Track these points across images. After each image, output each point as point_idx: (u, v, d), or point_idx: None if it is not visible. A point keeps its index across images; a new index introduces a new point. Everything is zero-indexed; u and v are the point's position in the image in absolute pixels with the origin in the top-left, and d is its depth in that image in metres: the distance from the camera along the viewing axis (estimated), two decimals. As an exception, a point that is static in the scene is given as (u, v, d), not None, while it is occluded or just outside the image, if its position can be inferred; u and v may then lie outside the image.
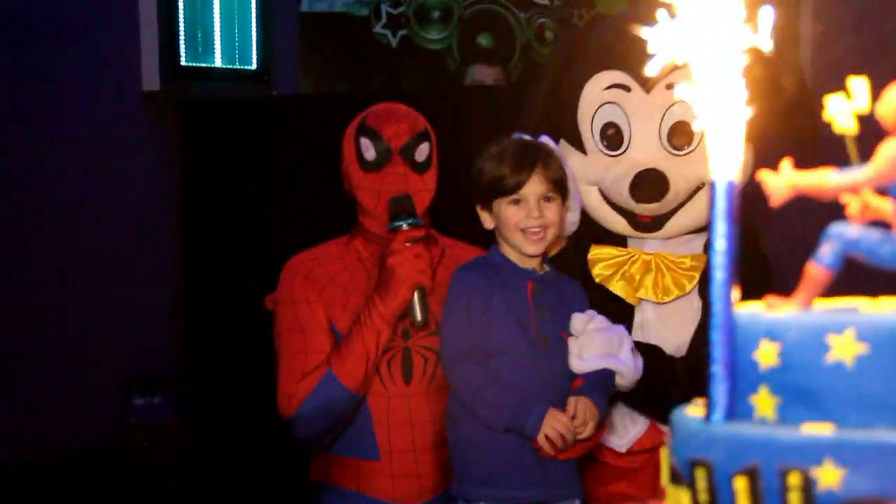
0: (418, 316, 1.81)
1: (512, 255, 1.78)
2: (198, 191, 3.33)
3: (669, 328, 1.96)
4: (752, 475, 0.75)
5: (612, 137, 2.00)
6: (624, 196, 1.96)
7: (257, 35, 3.73)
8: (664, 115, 1.97)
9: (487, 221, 1.79)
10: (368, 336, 1.80)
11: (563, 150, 1.97)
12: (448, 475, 1.83)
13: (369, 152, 1.86)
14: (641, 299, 1.96)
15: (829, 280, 0.82)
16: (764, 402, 0.79)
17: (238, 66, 3.74)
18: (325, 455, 1.89)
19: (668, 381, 1.90)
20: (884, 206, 0.83)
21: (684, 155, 1.98)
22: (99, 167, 3.41)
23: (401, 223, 1.80)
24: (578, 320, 1.75)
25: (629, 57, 1.97)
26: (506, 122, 2.80)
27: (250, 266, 3.22)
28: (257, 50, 3.74)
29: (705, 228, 2.00)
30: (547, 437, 1.64)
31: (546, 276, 1.79)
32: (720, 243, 0.79)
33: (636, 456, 1.96)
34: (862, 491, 0.73)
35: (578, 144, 2.04)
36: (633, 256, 2.00)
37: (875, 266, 0.81)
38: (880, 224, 0.83)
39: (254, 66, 3.76)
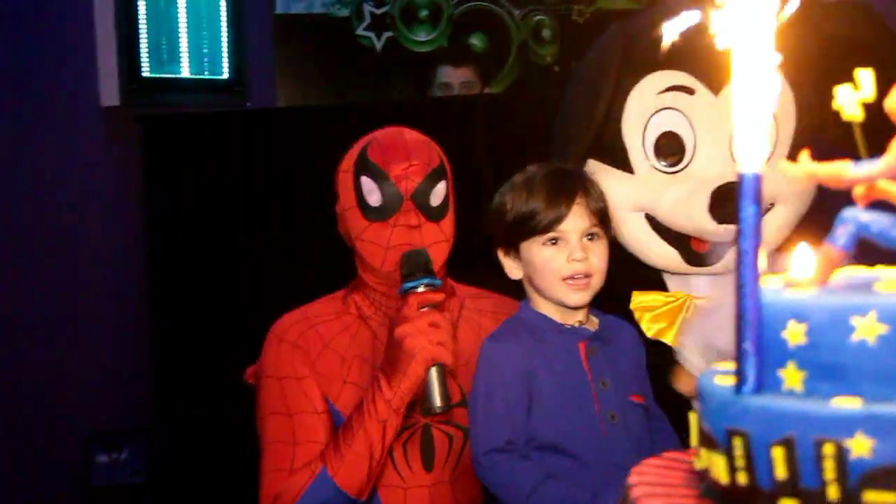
0: (437, 401, 1.61)
1: (549, 311, 1.62)
2: (164, 218, 3.27)
3: None
4: (789, 445, 0.93)
5: (671, 150, 1.87)
6: (695, 218, 1.82)
7: (228, 41, 3.71)
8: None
9: (513, 270, 1.64)
10: (372, 429, 1.62)
11: (598, 172, 1.85)
12: None
13: (373, 196, 1.71)
14: None
15: (843, 260, 1.03)
16: (792, 376, 0.98)
17: (207, 76, 3.71)
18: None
19: None
20: (892, 189, 1.03)
21: None
22: (54, 195, 3.37)
23: (415, 284, 1.64)
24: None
25: (691, 54, 1.79)
26: (512, 135, 2.92)
27: (223, 304, 3.27)
28: (229, 57, 3.72)
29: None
30: None
31: (599, 331, 1.63)
32: (748, 232, 0.98)
33: None
34: (890, 458, 0.90)
35: (622, 162, 1.89)
36: (685, 302, 1.87)
37: (884, 247, 1.01)
38: (884, 205, 1.04)
39: (225, 76, 3.74)
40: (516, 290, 1.79)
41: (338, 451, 1.65)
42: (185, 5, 3.67)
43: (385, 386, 1.62)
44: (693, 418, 1.08)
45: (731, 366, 1.07)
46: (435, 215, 1.73)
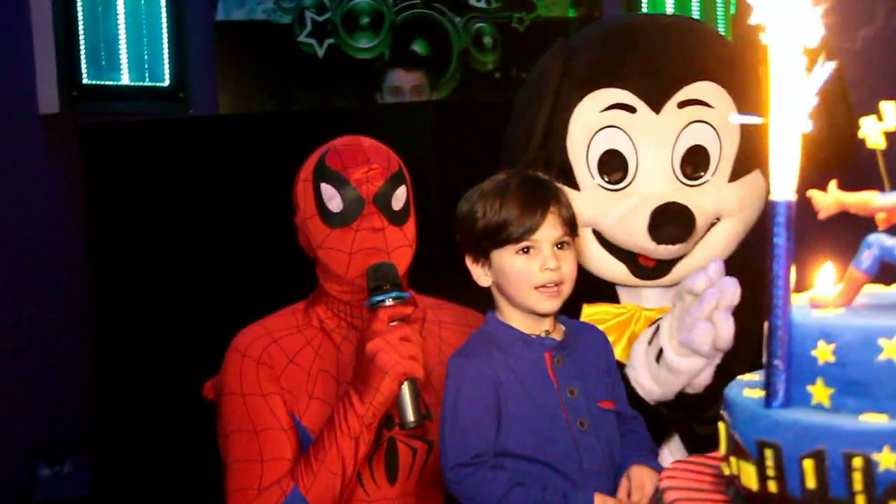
0: (410, 416, 1.60)
1: (517, 319, 1.63)
2: (105, 227, 3.25)
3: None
4: (819, 457, 1.02)
5: (614, 168, 1.90)
6: (636, 236, 1.85)
7: (169, 48, 3.69)
8: (677, 139, 1.89)
9: (482, 278, 1.63)
10: (345, 445, 1.61)
11: None
12: None
13: (334, 202, 1.69)
14: None
15: (866, 282, 1.13)
16: (820, 392, 1.07)
17: (148, 83, 3.68)
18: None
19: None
20: None
21: (699, 185, 1.90)
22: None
23: (383, 297, 1.62)
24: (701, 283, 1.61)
25: (632, 72, 1.90)
26: (461, 141, 2.96)
27: (167, 312, 3.20)
28: (170, 64, 3.70)
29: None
30: None
31: (565, 339, 1.65)
32: (781, 255, 1.06)
33: None
34: None
35: (568, 178, 1.91)
36: (634, 314, 1.91)
37: None
38: None
39: (166, 83, 3.72)
40: (466, 295, 1.80)
41: (309, 468, 1.63)
42: (124, 12, 3.63)
43: (357, 402, 1.61)
44: (722, 427, 1.15)
45: (754, 377, 1.19)
46: (397, 219, 1.72)
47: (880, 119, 1.13)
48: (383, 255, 1.70)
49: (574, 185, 1.92)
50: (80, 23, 3.50)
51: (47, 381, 3.46)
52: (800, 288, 1.17)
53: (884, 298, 1.19)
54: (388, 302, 1.63)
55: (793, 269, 1.08)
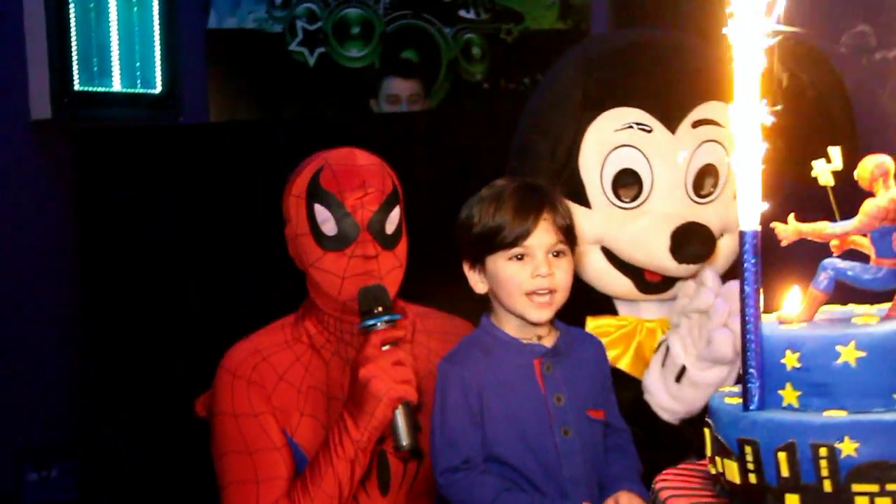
0: (404, 440, 1.63)
1: (510, 326, 1.65)
2: (96, 233, 3.22)
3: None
4: (791, 449, 1.19)
5: (630, 186, 1.91)
6: (655, 255, 1.87)
7: (161, 55, 3.70)
8: (691, 158, 1.91)
9: (478, 284, 1.65)
10: (341, 468, 1.63)
11: None
12: None
13: (328, 225, 1.70)
14: None
15: (824, 300, 1.31)
16: (789, 394, 1.25)
17: (140, 90, 3.69)
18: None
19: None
20: (863, 241, 1.33)
21: (707, 203, 1.94)
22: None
23: (374, 322, 1.64)
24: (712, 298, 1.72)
25: (648, 91, 1.92)
26: (449, 150, 3.00)
27: (156, 318, 3.27)
28: (161, 72, 3.71)
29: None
30: None
31: (556, 345, 1.66)
32: (751, 279, 1.22)
33: None
34: (872, 455, 1.18)
35: (579, 197, 1.92)
36: (636, 326, 1.94)
37: (857, 287, 1.30)
38: (857, 254, 1.32)
39: (158, 90, 3.73)
40: (456, 304, 1.84)
41: (306, 491, 1.65)
42: (116, 19, 3.64)
43: (352, 426, 1.63)
44: (707, 432, 1.31)
45: (734, 389, 1.36)
46: (390, 243, 1.72)
47: (829, 161, 1.32)
48: (376, 279, 1.70)
49: (585, 202, 1.94)
50: (73, 29, 3.51)
51: (35, 386, 3.47)
52: (769, 308, 1.32)
53: (839, 314, 1.36)
54: (380, 325, 1.64)
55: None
